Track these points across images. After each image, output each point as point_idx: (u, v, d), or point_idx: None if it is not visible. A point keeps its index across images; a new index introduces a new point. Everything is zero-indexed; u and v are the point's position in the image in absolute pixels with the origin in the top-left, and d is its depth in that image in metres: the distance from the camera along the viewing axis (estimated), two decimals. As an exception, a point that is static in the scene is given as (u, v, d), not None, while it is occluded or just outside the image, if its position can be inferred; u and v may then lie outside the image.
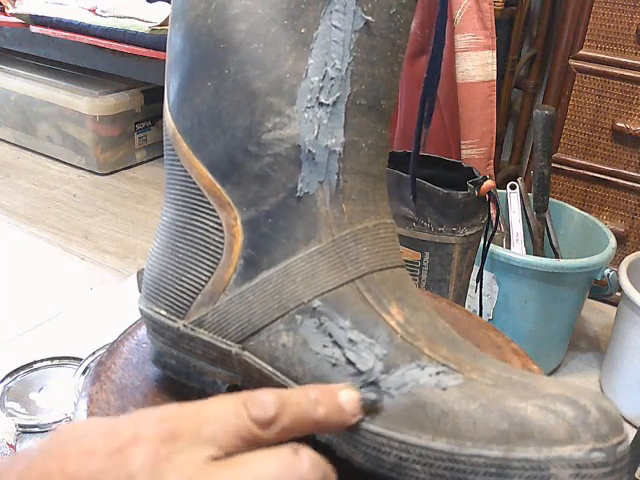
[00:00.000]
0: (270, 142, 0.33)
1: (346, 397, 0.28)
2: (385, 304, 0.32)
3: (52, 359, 1.01)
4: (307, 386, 0.28)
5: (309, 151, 0.32)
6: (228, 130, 0.33)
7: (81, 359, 1.00)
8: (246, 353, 0.34)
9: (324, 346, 0.31)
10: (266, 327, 0.33)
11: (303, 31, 0.32)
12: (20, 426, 0.87)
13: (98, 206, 1.64)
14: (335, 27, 0.32)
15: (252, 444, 0.24)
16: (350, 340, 0.31)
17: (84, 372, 0.96)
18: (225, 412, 0.25)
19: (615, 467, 0.25)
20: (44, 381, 0.98)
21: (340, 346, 0.31)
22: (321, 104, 0.32)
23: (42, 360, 1.01)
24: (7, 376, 0.97)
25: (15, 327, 1.13)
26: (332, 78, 0.32)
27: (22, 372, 0.99)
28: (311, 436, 0.29)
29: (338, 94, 0.32)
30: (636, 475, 0.78)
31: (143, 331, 0.46)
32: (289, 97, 0.32)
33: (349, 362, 0.30)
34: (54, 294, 1.25)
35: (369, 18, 0.32)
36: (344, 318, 0.31)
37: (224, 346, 0.34)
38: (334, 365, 0.31)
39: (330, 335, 0.31)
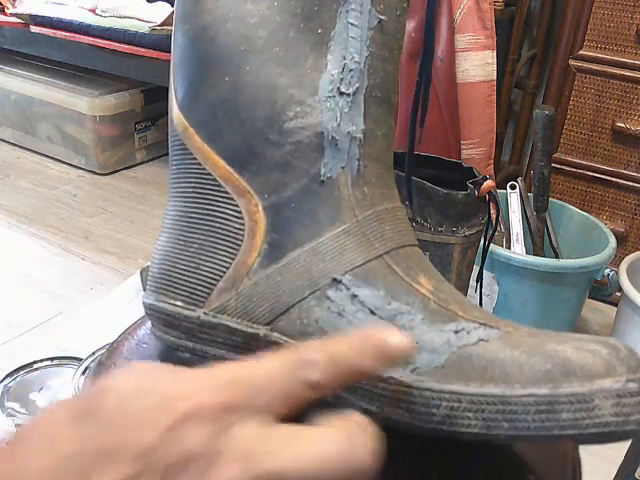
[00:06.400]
0: (292, 130, 0.34)
1: (394, 343, 0.26)
2: (414, 275, 0.33)
3: (52, 359, 1.01)
4: (352, 336, 0.26)
5: (332, 137, 0.34)
6: (246, 121, 0.34)
7: (81, 359, 0.99)
8: (275, 334, 0.34)
9: (361, 315, 0.32)
10: (297, 304, 0.33)
11: (320, 31, 0.34)
12: (20, 426, 0.87)
13: (98, 206, 1.65)
14: (352, 25, 0.34)
15: (303, 403, 0.25)
16: (386, 308, 0.32)
17: (84, 372, 0.96)
18: (278, 377, 0.25)
19: None
20: (44, 381, 0.98)
21: (376, 314, 0.32)
22: (342, 93, 0.34)
23: (42, 360, 1.01)
24: (7, 376, 0.97)
25: (15, 327, 1.13)
26: (351, 70, 0.34)
27: (22, 372, 0.99)
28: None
29: (357, 85, 0.34)
30: (636, 475, 0.78)
31: (143, 331, 0.46)
32: (311, 88, 0.34)
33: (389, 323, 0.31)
34: (54, 294, 1.25)
35: (382, 17, 0.34)
36: (377, 289, 0.32)
37: (250, 330, 0.35)
38: None
39: (364, 304, 0.32)
